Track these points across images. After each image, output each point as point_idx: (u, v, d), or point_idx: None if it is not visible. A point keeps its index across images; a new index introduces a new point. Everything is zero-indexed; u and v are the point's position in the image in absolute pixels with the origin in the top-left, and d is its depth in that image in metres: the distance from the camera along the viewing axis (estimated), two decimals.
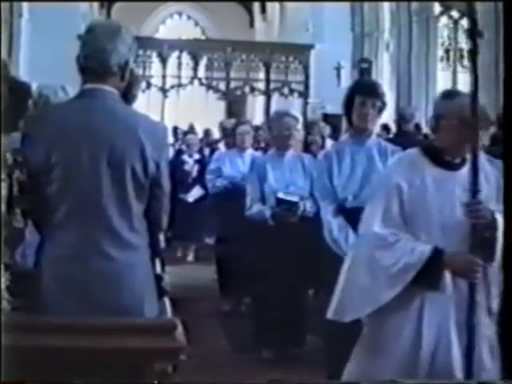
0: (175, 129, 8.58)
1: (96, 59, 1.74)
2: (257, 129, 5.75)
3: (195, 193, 5.98)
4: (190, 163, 6.23)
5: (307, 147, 5.15)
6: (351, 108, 2.77)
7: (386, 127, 7.21)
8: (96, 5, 12.80)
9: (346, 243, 2.63)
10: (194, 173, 6.13)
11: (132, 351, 1.43)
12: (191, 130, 8.13)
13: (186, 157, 6.36)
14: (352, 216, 2.50)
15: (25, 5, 9.78)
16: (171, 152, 6.81)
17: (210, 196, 4.98)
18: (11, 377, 1.33)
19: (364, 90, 2.78)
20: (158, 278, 1.85)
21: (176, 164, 6.01)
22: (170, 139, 7.87)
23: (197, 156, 6.37)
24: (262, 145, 5.86)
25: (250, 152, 4.67)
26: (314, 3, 10.99)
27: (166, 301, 1.91)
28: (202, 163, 6.02)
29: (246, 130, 4.71)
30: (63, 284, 1.71)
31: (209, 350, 3.49)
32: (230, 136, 4.80)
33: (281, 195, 3.45)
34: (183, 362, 1.52)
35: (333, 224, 2.71)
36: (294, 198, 3.44)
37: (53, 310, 1.70)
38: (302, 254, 3.37)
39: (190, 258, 6.45)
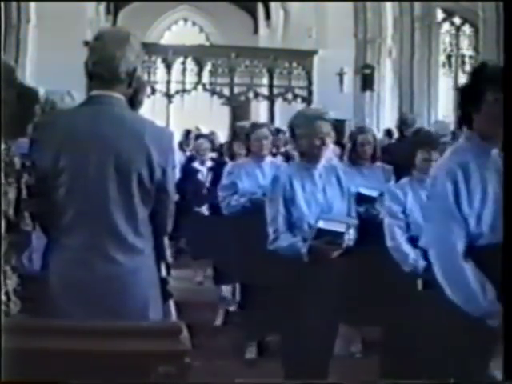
0: (188, 132, 7.57)
1: (105, 66, 1.76)
2: (277, 131, 5.03)
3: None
4: (204, 172, 5.32)
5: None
6: (478, 104, 1.84)
7: (388, 132, 7.23)
8: (102, 11, 12.88)
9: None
10: (208, 183, 5.08)
11: (136, 354, 1.44)
12: (202, 135, 7.00)
13: (197, 164, 5.51)
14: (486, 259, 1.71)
15: (32, 10, 9.84)
16: (183, 158, 6.29)
17: (224, 218, 3.78)
18: (12, 379, 1.34)
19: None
20: (163, 282, 1.87)
21: (188, 173, 5.42)
22: (183, 144, 7.43)
23: (209, 163, 5.44)
24: (282, 149, 5.27)
25: (269, 160, 3.71)
26: (317, 9, 11.04)
27: (171, 304, 1.92)
28: (216, 171, 4.91)
29: (264, 135, 3.66)
30: (69, 287, 1.73)
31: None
32: (246, 142, 3.77)
33: (322, 224, 2.53)
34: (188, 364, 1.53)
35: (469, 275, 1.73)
36: (340, 228, 2.54)
37: (59, 313, 1.71)
38: (342, 294, 2.64)
39: (199, 278, 5.51)
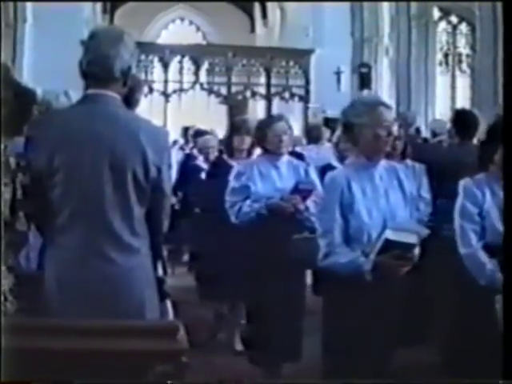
0: (186, 129, 7.17)
1: (99, 65, 1.76)
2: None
3: None
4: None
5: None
6: None
7: None
8: (99, 10, 12.86)
9: None
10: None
11: (133, 353, 1.44)
12: (203, 132, 6.24)
13: (201, 163, 5.04)
14: None
15: (29, 10, 9.83)
16: (181, 156, 5.94)
17: (233, 229, 3.11)
18: (11, 379, 1.34)
19: None
20: (160, 281, 1.87)
21: (191, 173, 4.96)
22: (181, 141, 7.25)
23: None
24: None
25: (285, 159, 3.15)
26: (314, 8, 11.04)
27: (168, 303, 1.92)
28: (211, 167, 4.43)
29: (284, 129, 3.09)
30: (66, 287, 1.73)
31: None
32: (261, 138, 3.13)
33: (391, 235, 2.09)
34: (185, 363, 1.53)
35: None
36: (411, 239, 2.10)
37: (56, 313, 1.71)
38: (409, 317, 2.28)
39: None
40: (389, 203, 2.20)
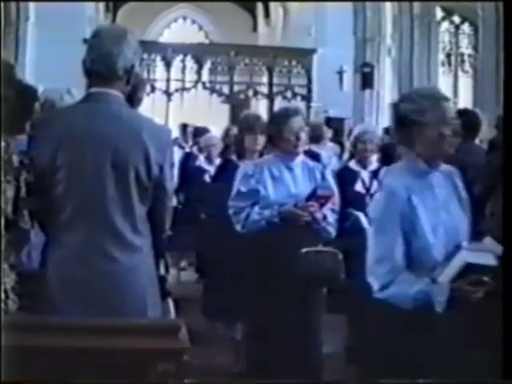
0: (184, 127, 6.80)
1: (102, 63, 1.76)
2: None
3: None
4: (211, 172, 4.42)
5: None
6: None
7: (387, 131, 7.21)
8: (102, 9, 12.86)
9: None
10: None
11: (135, 352, 1.44)
12: (204, 130, 5.92)
13: (203, 163, 4.78)
14: None
15: (31, 8, 9.83)
16: (180, 154, 5.67)
17: (242, 239, 2.73)
18: (12, 377, 1.34)
19: None
20: (162, 279, 1.87)
21: (192, 174, 4.70)
22: (179, 138, 6.84)
23: (218, 161, 4.50)
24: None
25: (300, 160, 2.76)
26: (317, 8, 11.03)
27: (170, 302, 1.92)
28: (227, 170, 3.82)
29: (300, 125, 2.70)
30: (68, 285, 1.73)
31: None
32: (274, 135, 2.75)
33: (470, 258, 1.72)
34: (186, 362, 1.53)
35: None
36: (491, 261, 1.75)
37: (57, 311, 1.71)
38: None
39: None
40: (450, 216, 1.80)
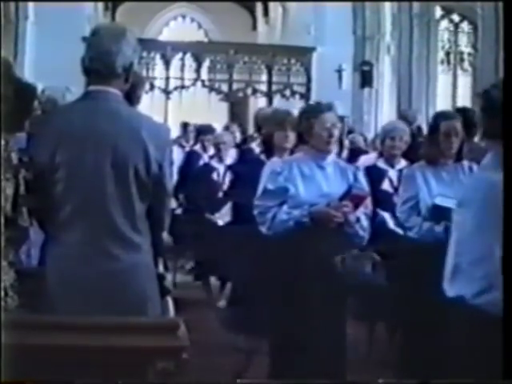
0: (185, 125, 6.61)
1: (101, 61, 1.76)
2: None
3: (227, 212, 3.73)
4: (220, 171, 4.24)
5: None
6: None
7: None
8: (101, 7, 12.85)
9: None
10: (226, 184, 3.85)
11: (134, 350, 1.44)
12: (208, 127, 5.79)
13: (213, 161, 4.64)
14: None
15: (30, 7, 9.82)
16: (180, 153, 5.54)
17: (266, 243, 2.55)
18: (11, 376, 1.34)
19: None
20: (161, 278, 1.87)
21: (198, 172, 4.57)
22: (179, 137, 6.69)
23: (229, 160, 4.41)
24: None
25: (332, 158, 2.59)
26: (316, 6, 11.03)
27: (169, 300, 1.92)
28: (236, 170, 3.69)
29: (333, 121, 2.52)
30: (67, 283, 1.73)
31: None
32: (305, 131, 2.55)
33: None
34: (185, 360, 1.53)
35: None
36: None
37: (57, 309, 1.72)
38: None
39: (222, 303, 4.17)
40: None
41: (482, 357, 1.56)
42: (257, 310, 2.75)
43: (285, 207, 2.48)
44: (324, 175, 2.53)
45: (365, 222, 2.52)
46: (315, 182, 2.51)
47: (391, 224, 2.79)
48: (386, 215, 3.01)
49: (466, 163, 2.73)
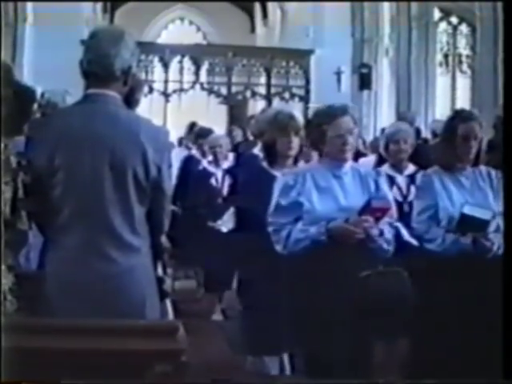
0: (192, 126, 6.02)
1: (99, 64, 1.76)
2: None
3: (229, 218, 3.35)
4: (219, 176, 4.05)
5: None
6: None
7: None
8: (99, 10, 12.87)
9: None
10: (225, 189, 3.60)
11: (133, 353, 1.44)
12: (208, 131, 5.40)
13: (210, 165, 4.44)
14: None
15: (29, 9, 9.83)
16: (183, 156, 5.18)
17: (280, 259, 2.34)
18: (11, 378, 1.34)
19: None
20: (160, 281, 1.87)
21: (196, 178, 4.36)
22: (187, 140, 6.23)
23: (226, 164, 4.24)
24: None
25: (349, 166, 2.36)
26: (315, 9, 11.05)
27: (168, 303, 1.92)
28: (235, 174, 3.38)
29: (349, 127, 2.30)
30: (66, 286, 1.73)
31: None
32: (317, 138, 2.34)
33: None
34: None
35: None
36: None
37: (56, 312, 1.71)
38: None
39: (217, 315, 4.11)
40: None
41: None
42: (274, 331, 2.50)
43: (300, 224, 2.25)
44: (341, 186, 2.29)
45: (389, 235, 2.29)
46: (332, 195, 2.27)
47: (406, 236, 2.39)
48: (400, 226, 2.52)
49: (483, 168, 2.54)
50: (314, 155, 2.66)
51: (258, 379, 2.79)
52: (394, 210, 2.33)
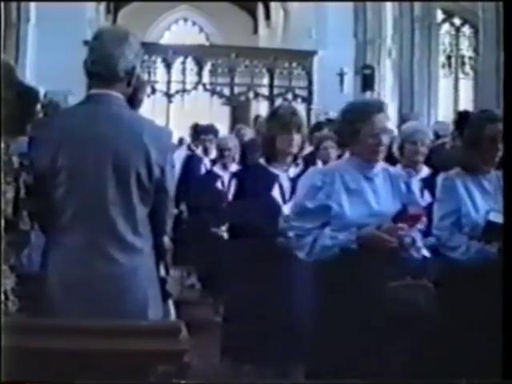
0: (195, 127, 5.83)
1: (103, 65, 1.76)
2: None
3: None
4: (225, 179, 3.78)
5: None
6: None
7: None
8: (102, 11, 12.89)
9: None
10: (231, 193, 3.17)
11: (135, 353, 1.44)
12: (210, 127, 5.34)
13: (217, 168, 4.21)
14: None
15: (32, 10, 9.86)
16: (182, 155, 5.09)
17: (297, 267, 2.27)
18: (12, 379, 1.34)
19: None
20: (162, 281, 1.87)
21: (201, 180, 4.21)
22: (188, 140, 6.31)
23: (234, 167, 3.98)
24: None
25: (381, 167, 2.19)
26: (317, 10, 11.05)
27: (170, 304, 1.92)
28: (241, 178, 2.90)
29: (383, 125, 2.14)
30: (68, 287, 1.73)
31: None
32: (349, 137, 2.16)
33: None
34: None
35: None
36: None
37: (58, 312, 1.71)
38: None
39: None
40: None
41: None
42: (294, 343, 2.37)
43: (327, 230, 2.06)
44: (373, 189, 2.11)
45: (420, 243, 2.17)
46: (363, 198, 2.09)
47: (419, 243, 2.21)
48: (416, 235, 2.32)
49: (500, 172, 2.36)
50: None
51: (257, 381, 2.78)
52: (424, 217, 2.19)
